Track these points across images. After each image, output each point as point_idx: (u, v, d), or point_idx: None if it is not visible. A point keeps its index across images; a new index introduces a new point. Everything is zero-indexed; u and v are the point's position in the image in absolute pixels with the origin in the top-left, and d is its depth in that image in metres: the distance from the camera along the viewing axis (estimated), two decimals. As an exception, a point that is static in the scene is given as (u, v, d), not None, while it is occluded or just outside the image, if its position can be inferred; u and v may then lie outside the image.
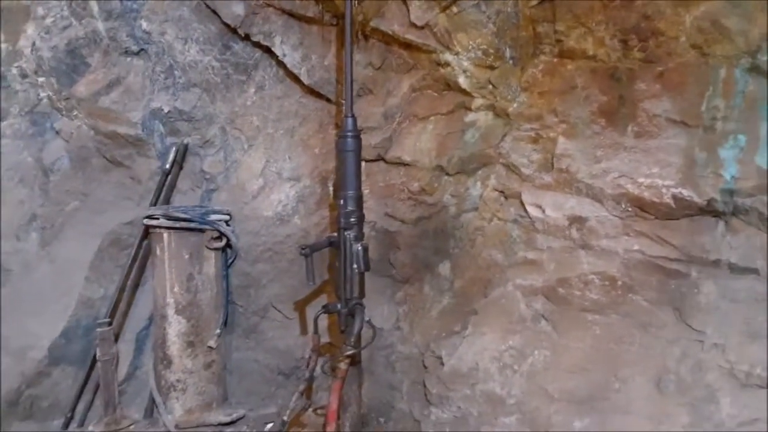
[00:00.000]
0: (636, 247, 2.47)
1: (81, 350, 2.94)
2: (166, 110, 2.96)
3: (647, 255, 2.44)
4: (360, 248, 2.15)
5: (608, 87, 2.56)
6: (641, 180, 2.44)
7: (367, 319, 2.20)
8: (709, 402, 2.21)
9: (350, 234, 2.19)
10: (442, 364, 2.65)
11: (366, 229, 2.78)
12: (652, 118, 2.43)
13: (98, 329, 2.82)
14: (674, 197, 2.36)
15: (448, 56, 2.71)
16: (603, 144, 2.56)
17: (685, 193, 2.33)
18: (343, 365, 2.14)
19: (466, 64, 2.72)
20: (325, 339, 2.72)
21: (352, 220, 2.22)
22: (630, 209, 2.48)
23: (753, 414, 2.16)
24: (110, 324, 2.87)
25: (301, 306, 2.90)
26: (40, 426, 2.87)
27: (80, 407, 2.91)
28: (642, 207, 2.44)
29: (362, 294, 2.20)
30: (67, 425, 2.87)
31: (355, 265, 2.16)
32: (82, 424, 2.89)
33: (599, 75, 2.57)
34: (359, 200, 2.27)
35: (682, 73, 2.37)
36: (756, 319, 2.22)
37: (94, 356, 2.84)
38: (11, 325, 2.92)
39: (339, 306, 2.23)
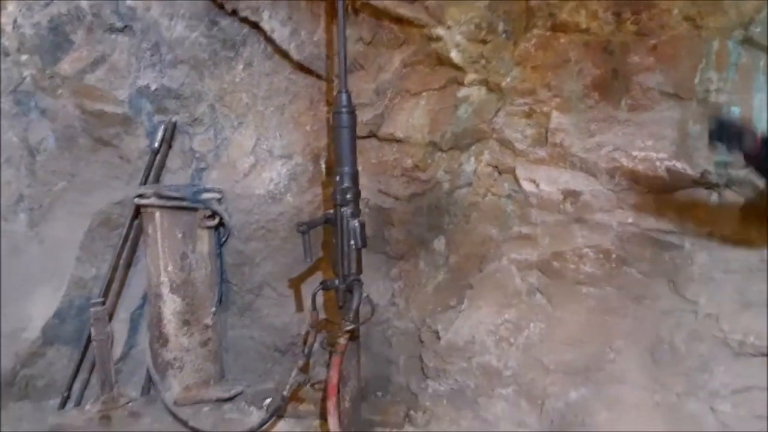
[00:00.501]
0: (630, 220, 2.49)
1: (75, 330, 2.93)
2: (153, 88, 2.91)
3: (641, 228, 2.47)
4: (357, 224, 2.15)
5: (601, 60, 2.56)
6: (635, 153, 2.45)
7: (365, 294, 2.21)
8: (702, 371, 2.26)
9: (347, 210, 2.18)
10: (439, 338, 2.67)
11: (360, 207, 2.79)
12: (645, 91, 2.44)
13: (92, 309, 2.81)
14: (668, 170, 2.38)
15: (440, 30, 2.68)
16: (597, 118, 2.57)
17: (679, 165, 2.36)
18: (342, 340, 2.15)
19: (458, 38, 2.70)
20: (321, 315, 2.73)
21: (348, 196, 2.21)
22: (624, 182, 2.50)
23: (746, 382, 2.21)
24: (104, 304, 2.86)
25: (296, 283, 2.90)
26: (37, 406, 2.87)
27: (76, 386, 2.91)
28: (636, 180, 2.47)
29: (360, 270, 2.21)
30: (63, 404, 2.87)
31: (352, 242, 2.16)
32: (79, 403, 2.89)
33: (592, 48, 2.57)
34: (355, 176, 2.26)
35: (675, 46, 2.38)
36: (749, 289, 2.26)
37: (89, 336, 2.83)
38: (3, 307, 2.89)
39: (337, 282, 2.24)
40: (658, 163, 2.39)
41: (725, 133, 1.97)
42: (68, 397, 2.89)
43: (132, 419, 2.76)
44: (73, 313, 2.95)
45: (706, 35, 2.34)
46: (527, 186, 2.68)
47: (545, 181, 2.64)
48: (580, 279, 2.54)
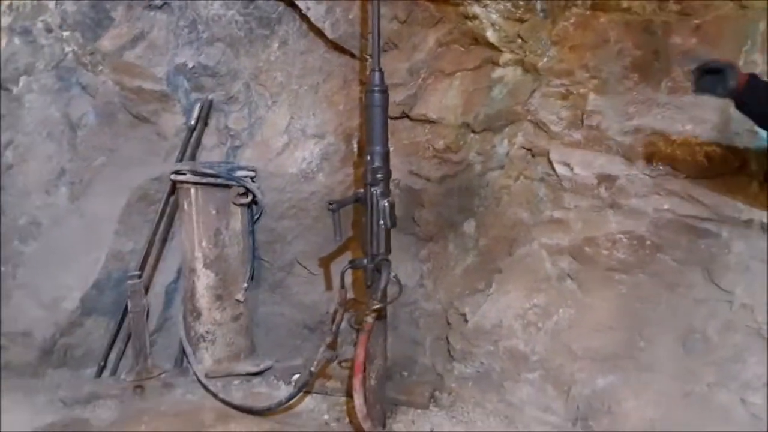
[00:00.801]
0: (666, 207, 2.44)
1: (112, 302, 3.01)
2: (190, 65, 2.95)
3: (678, 214, 2.41)
4: (387, 204, 2.15)
5: (642, 41, 2.49)
6: (674, 137, 2.39)
7: (392, 274, 2.21)
8: (735, 361, 2.21)
9: (377, 190, 2.18)
10: (466, 320, 2.67)
11: (390, 187, 2.78)
12: (687, 74, 2.36)
13: (129, 282, 2.88)
14: (707, 155, 2.32)
15: (476, 9, 2.64)
16: (635, 100, 2.51)
17: (719, 151, 2.29)
18: (369, 319, 2.16)
19: (494, 17, 2.66)
20: (349, 295, 2.75)
21: (379, 176, 2.21)
22: (661, 167, 2.44)
23: (780, 374, 2.16)
24: (140, 277, 2.93)
25: (326, 262, 2.93)
26: (74, 373, 2.98)
27: (112, 356, 3.00)
28: (674, 165, 2.40)
29: (388, 250, 2.21)
30: (100, 373, 2.97)
31: (381, 221, 2.16)
32: (114, 372, 2.99)
33: (633, 28, 2.50)
34: (386, 156, 2.25)
35: (719, 27, 2.30)
36: (787, 280, 2.19)
37: (125, 308, 2.91)
38: (44, 277, 3.00)
39: (365, 261, 2.25)
40: (697, 148, 2.33)
41: (708, 76, 1.86)
42: (104, 366, 2.99)
43: (165, 389, 2.84)
44: (110, 285, 3.04)
45: (752, 16, 2.26)
46: (561, 169, 2.64)
47: (580, 164, 2.60)
48: (613, 265, 2.50)
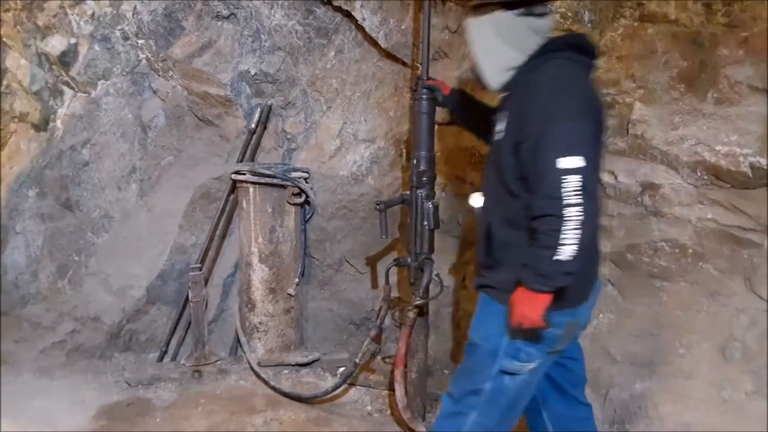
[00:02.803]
0: (709, 216, 2.45)
1: (175, 291, 3.23)
2: (252, 72, 3.13)
3: (720, 224, 2.42)
4: (431, 206, 2.25)
5: (689, 52, 2.51)
6: (719, 148, 2.40)
7: (435, 273, 2.31)
8: (774, 371, 2.21)
9: (422, 192, 2.29)
10: (507, 322, 2.73)
11: (437, 191, 2.88)
12: (733, 85, 2.38)
13: (190, 273, 3.08)
14: (752, 166, 2.32)
15: (525, 20, 2.72)
16: (681, 110, 2.52)
17: (764, 162, 2.29)
18: (411, 314, 2.27)
19: (543, 27, 2.72)
20: (394, 294, 2.86)
21: (424, 179, 2.32)
22: (705, 177, 2.45)
23: (819, 385, 2.15)
24: (201, 269, 3.12)
25: (372, 261, 3.05)
26: (138, 357, 3.20)
27: (173, 343, 3.21)
28: (718, 175, 2.41)
29: (431, 250, 2.31)
30: (161, 358, 3.18)
31: (425, 222, 2.26)
32: (174, 357, 3.20)
33: (680, 40, 2.52)
34: (431, 160, 2.36)
35: (766, 39, 2.30)
36: (829, 292, 2.18)
37: (187, 297, 3.11)
38: (113, 267, 3.24)
39: (409, 260, 2.36)
40: (741, 159, 2.33)
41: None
42: (166, 351, 3.20)
43: (220, 375, 3.02)
44: (173, 275, 3.26)
45: (802, 28, 2.25)
46: (606, 177, 2.67)
47: (624, 172, 2.63)
48: (654, 272, 2.53)
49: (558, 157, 1.53)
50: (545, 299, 1.59)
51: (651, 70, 2.59)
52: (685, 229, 2.49)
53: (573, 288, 1.65)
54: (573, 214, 1.52)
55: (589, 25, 2.69)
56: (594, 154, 1.62)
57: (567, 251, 1.53)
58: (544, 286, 1.57)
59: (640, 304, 2.53)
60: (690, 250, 2.47)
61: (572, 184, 1.52)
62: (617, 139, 2.66)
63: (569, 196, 1.52)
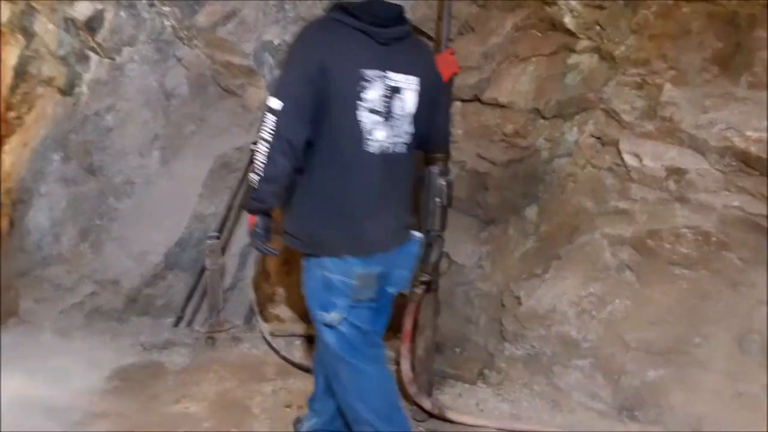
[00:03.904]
0: (736, 204, 2.37)
1: (192, 259, 3.26)
2: (276, 43, 3.11)
3: (747, 212, 2.34)
4: (443, 182, 2.21)
5: (725, 33, 2.41)
6: (749, 133, 2.31)
7: (444, 251, 2.28)
8: (793, 366, 2.14)
9: (435, 169, 2.24)
10: (520, 303, 2.70)
11: (456, 169, 2.84)
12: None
13: (208, 241, 3.10)
14: (783, 153, 2.23)
15: (555, -6, 2.64)
16: (712, 93, 2.44)
17: (796, 149, 2.20)
18: (418, 290, 2.25)
19: (573, 2, 2.64)
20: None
21: (438, 155, 2.28)
22: (734, 163, 2.37)
23: (839, 382, 2.08)
24: (218, 238, 3.14)
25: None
26: (155, 322, 3.25)
27: (189, 309, 3.26)
28: (747, 162, 2.33)
29: (443, 227, 2.27)
30: (177, 323, 3.23)
31: (438, 199, 2.22)
32: (189, 324, 3.25)
33: (716, 20, 2.42)
34: (445, 136, 2.32)
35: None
36: None
37: (204, 265, 3.14)
38: (134, 232, 3.29)
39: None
40: (773, 145, 2.25)
41: None
42: (181, 317, 3.25)
43: (233, 343, 3.06)
44: (192, 243, 3.29)
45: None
46: (630, 160, 2.61)
47: (650, 156, 2.55)
48: (675, 259, 2.46)
49: (269, 97, 1.77)
50: (250, 218, 1.87)
51: (684, 50, 2.51)
52: (709, 217, 2.42)
53: (322, 237, 1.84)
54: (260, 148, 1.75)
55: (621, 2, 2.60)
56: (299, 103, 1.74)
57: (252, 178, 1.78)
58: (245, 206, 1.87)
59: (658, 292, 2.47)
60: (713, 238, 2.40)
61: (268, 122, 1.74)
62: (644, 122, 2.59)
63: (262, 130, 1.74)
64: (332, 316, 1.86)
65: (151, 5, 3.19)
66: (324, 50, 1.77)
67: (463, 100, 2.87)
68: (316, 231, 1.86)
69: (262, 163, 1.75)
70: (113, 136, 3.33)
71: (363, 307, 1.89)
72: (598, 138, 2.72)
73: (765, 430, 2.10)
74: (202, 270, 3.19)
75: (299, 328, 3.06)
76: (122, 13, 3.22)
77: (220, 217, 3.22)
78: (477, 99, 2.88)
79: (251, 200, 1.84)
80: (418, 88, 1.89)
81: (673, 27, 2.52)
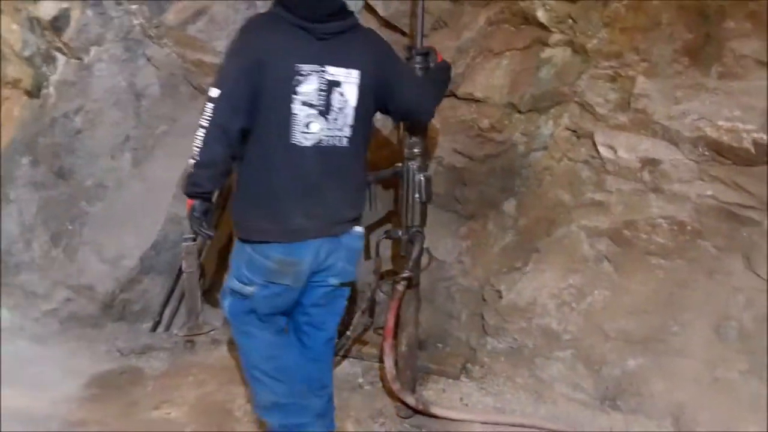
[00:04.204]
0: (709, 193, 2.41)
1: (168, 262, 3.19)
2: (248, 40, 3.06)
3: (720, 201, 2.39)
4: (422, 178, 2.21)
5: (695, 24, 2.45)
6: (721, 123, 2.35)
7: (425, 246, 2.28)
8: (769, 351, 2.19)
9: (413, 164, 2.24)
10: (501, 297, 2.72)
11: (433, 165, 2.84)
12: (738, 59, 2.33)
13: (184, 243, 3.04)
14: (755, 142, 2.27)
15: (528, -12, 2.65)
16: (684, 84, 2.48)
17: (766, 138, 2.24)
18: (399, 287, 2.25)
19: (546, -4, 2.66)
20: (387, 267, 2.83)
21: (416, 150, 2.27)
22: (707, 153, 2.41)
23: (814, 366, 2.13)
24: (195, 240, 3.08)
25: (365, 234, 3.01)
26: (131, 327, 3.18)
27: (167, 313, 3.20)
28: (719, 151, 2.37)
29: (423, 223, 2.27)
30: (155, 328, 3.17)
31: (416, 195, 2.22)
32: (168, 328, 3.19)
33: (686, 11, 2.46)
34: (424, 132, 2.31)
35: (775, 11, 2.24)
36: (829, 272, 2.15)
37: (180, 268, 3.09)
38: (107, 236, 3.21)
39: (400, 233, 2.33)
40: (744, 135, 2.29)
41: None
42: (159, 321, 3.18)
43: (213, 346, 3.02)
44: (167, 246, 3.22)
45: (811, 1, 2.19)
46: (605, 152, 2.63)
47: (624, 147, 2.59)
48: (651, 249, 2.50)
49: (209, 87, 1.85)
50: (188, 202, 1.96)
51: (655, 42, 2.54)
52: (684, 206, 2.46)
53: (249, 222, 1.95)
54: (198, 134, 1.82)
55: (592, -5, 2.62)
56: (234, 94, 1.81)
57: (189, 163, 1.87)
58: (182, 190, 1.97)
59: (636, 281, 2.51)
60: (688, 227, 2.44)
61: (207, 109, 1.81)
62: (618, 114, 2.62)
63: (201, 118, 1.82)
64: (244, 288, 1.98)
65: (119, 3, 3.11)
66: (260, 45, 1.85)
67: (438, 96, 2.87)
68: (246, 217, 1.97)
69: (197, 148, 1.83)
70: (83, 138, 3.24)
71: (278, 291, 1.97)
72: (574, 131, 2.75)
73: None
74: (179, 273, 3.14)
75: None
76: (89, 12, 3.13)
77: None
78: (452, 94, 2.87)
79: (187, 184, 1.91)
80: (359, 81, 1.92)
81: (643, 19, 2.55)
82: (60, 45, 3.19)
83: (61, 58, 3.23)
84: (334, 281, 2.05)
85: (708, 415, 2.21)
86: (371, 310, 2.62)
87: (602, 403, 2.43)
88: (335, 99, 1.89)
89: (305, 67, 1.84)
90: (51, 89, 3.26)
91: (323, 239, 1.96)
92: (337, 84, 1.88)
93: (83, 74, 3.21)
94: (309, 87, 1.84)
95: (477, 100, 2.84)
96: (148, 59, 3.24)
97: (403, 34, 2.93)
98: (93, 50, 3.18)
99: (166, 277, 3.21)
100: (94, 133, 3.24)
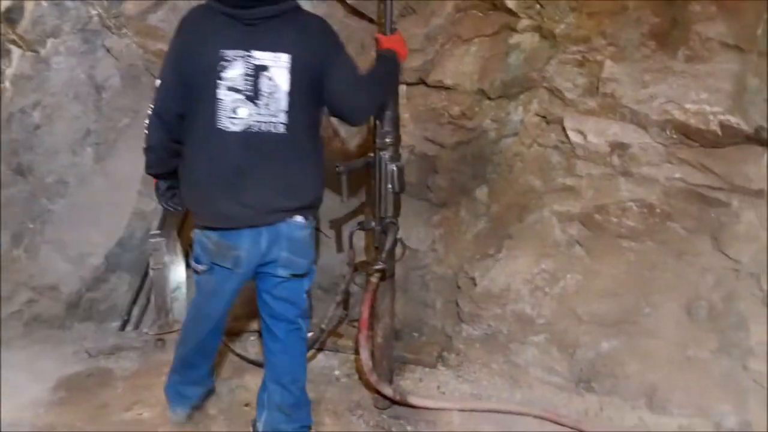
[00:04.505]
0: (678, 175, 2.44)
1: (135, 259, 3.13)
2: (211, 29, 2.98)
3: (689, 183, 2.41)
4: (395, 168, 2.19)
5: (661, 8, 2.46)
6: (688, 106, 2.37)
7: (398, 237, 2.26)
8: (738, 329, 2.24)
9: (386, 154, 2.22)
10: (475, 284, 2.72)
11: (405, 153, 2.81)
12: (704, 42, 2.34)
13: (151, 240, 2.98)
14: (721, 124, 2.30)
15: (495, -27, 2.63)
16: (651, 68, 2.49)
17: (733, 120, 2.27)
18: (373, 278, 2.23)
19: (513, -19, 2.64)
20: (362, 258, 2.81)
21: (388, 140, 2.25)
22: (675, 136, 2.43)
23: (783, 343, 2.18)
24: (162, 236, 3.02)
25: (338, 225, 2.99)
26: (99, 327, 3.12)
27: (135, 311, 3.14)
28: (687, 134, 2.40)
29: (396, 213, 2.25)
30: (123, 327, 3.10)
31: (389, 185, 2.20)
32: (137, 326, 3.13)
33: (652, -5, 2.47)
34: (396, 121, 2.29)
35: (738, -6, 2.26)
36: (796, 251, 2.20)
37: (148, 265, 3.02)
38: (70, 234, 3.13)
39: (373, 224, 2.31)
40: (711, 117, 2.31)
41: None
42: (128, 320, 3.12)
43: (184, 343, 2.96)
44: (134, 242, 3.16)
45: (774, -17, 2.21)
46: (575, 137, 2.64)
47: (593, 132, 2.59)
48: (622, 232, 2.52)
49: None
50: (153, 180, 2.18)
51: (622, 27, 2.54)
52: (653, 189, 2.49)
53: (189, 206, 2.08)
54: (145, 123, 1.99)
55: (559, -21, 2.61)
56: (169, 83, 1.94)
57: (142, 146, 2.02)
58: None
59: (608, 265, 2.54)
60: (658, 210, 2.47)
61: (152, 99, 1.97)
62: (587, 99, 2.62)
63: (148, 107, 1.98)
64: (197, 266, 2.10)
65: (75, -7, 3.02)
66: (189, 35, 1.95)
67: (408, 84, 2.84)
68: (186, 201, 2.10)
69: (145, 133, 1.99)
70: (41, 133, 3.14)
71: (223, 274, 2.04)
72: (543, 117, 2.75)
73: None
74: (147, 269, 3.07)
75: (253, 324, 2.99)
76: (44, 3, 3.02)
77: (162, 213, 3.09)
78: (422, 82, 2.85)
79: (145, 166, 2.10)
80: (290, 65, 1.90)
81: (610, 4, 2.55)
82: (14, 38, 3.07)
83: (16, 51, 3.11)
84: (282, 272, 2.05)
85: (681, 394, 2.26)
86: (346, 303, 2.59)
87: (577, 386, 2.46)
88: (264, 84, 1.89)
89: (230, 53, 1.87)
90: (7, 84, 3.13)
91: (262, 228, 1.96)
92: (264, 68, 1.88)
93: (40, 67, 3.10)
94: (234, 72, 1.87)
95: (447, 88, 2.81)
96: (108, 50, 3.15)
97: (371, 21, 2.90)
98: (49, 42, 3.08)
99: (134, 275, 3.15)
100: (54, 128, 3.14)
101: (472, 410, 2.41)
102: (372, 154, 2.36)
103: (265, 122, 1.90)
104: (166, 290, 3.04)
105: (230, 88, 1.87)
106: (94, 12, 3.07)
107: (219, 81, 1.87)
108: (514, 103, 2.79)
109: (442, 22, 2.80)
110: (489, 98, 2.80)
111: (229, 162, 1.91)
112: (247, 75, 1.87)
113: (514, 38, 2.75)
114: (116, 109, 3.19)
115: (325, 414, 2.41)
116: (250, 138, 1.90)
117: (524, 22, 2.71)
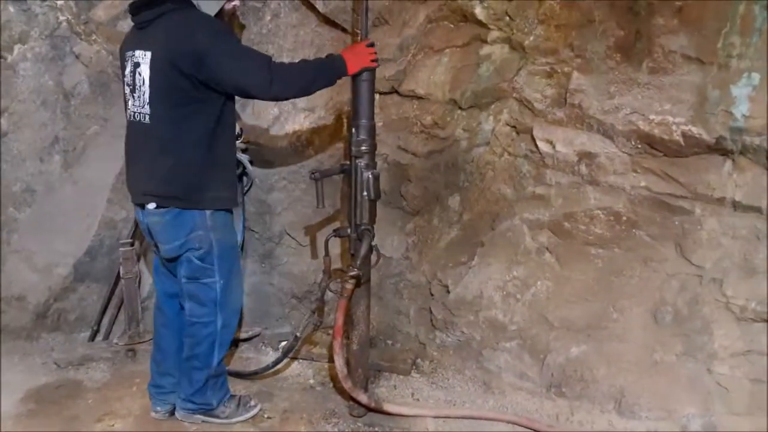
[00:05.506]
0: (643, 184, 2.51)
1: (105, 268, 3.09)
2: (182, 36, 2.97)
3: (653, 192, 2.49)
4: (370, 176, 2.21)
5: (626, 21, 2.53)
6: (652, 117, 2.45)
7: (373, 244, 2.28)
8: (703, 333, 2.31)
9: (361, 162, 2.24)
10: (448, 292, 2.75)
11: (378, 162, 2.83)
12: (667, 54, 2.42)
13: (121, 249, 2.95)
14: (684, 134, 2.38)
15: (465, -15, 2.68)
16: (617, 80, 2.56)
17: (695, 130, 2.35)
18: (348, 285, 2.24)
19: (483, -6, 2.69)
20: (337, 265, 2.82)
21: (364, 148, 2.27)
22: (640, 146, 2.50)
23: (745, 346, 2.26)
24: (132, 245, 2.99)
25: (313, 232, 3.00)
26: (68, 337, 3.06)
27: (105, 321, 3.08)
28: (651, 144, 2.47)
29: (372, 220, 2.27)
30: (93, 337, 3.05)
31: (365, 192, 2.22)
32: (107, 336, 3.08)
33: (618, 9, 2.54)
34: (371, 129, 2.31)
35: (701, 8, 2.35)
36: (756, 256, 2.29)
37: (118, 274, 2.98)
38: (37, 243, 3.07)
39: (349, 231, 2.32)
40: (674, 128, 2.39)
41: None
42: (97, 330, 3.07)
43: (156, 353, 2.92)
44: (103, 251, 3.11)
45: (733, -2, 2.30)
46: (544, 146, 2.70)
47: (562, 142, 2.66)
48: (590, 240, 2.58)
49: None
50: None
51: (589, 39, 2.61)
52: (619, 197, 2.55)
53: None
54: (284, 75, 2.17)
55: (528, -8, 2.67)
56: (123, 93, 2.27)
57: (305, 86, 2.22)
58: None
59: (577, 271, 2.59)
60: (624, 218, 2.53)
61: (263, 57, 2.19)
62: (555, 109, 2.69)
63: (269, 64, 2.15)
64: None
65: (43, -1, 2.97)
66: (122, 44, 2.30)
67: (381, 93, 2.87)
68: None
69: (298, 85, 2.21)
70: (8, 141, 3.08)
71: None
72: (513, 126, 2.80)
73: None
74: (117, 279, 3.03)
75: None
76: (11, 8, 2.97)
77: (132, 221, 3.06)
78: (395, 91, 2.88)
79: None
80: (150, 61, 2.12)
81: (577, 16, 2.62)
82: (-20, 43, 3.01)
83: (-19, 57, 3.05)
84: (165, 254, 2.29)
85: (648, 397, 2.32)
86: (320, 310, 2.59)
87: (548, 391, 2.51)
88: (137, 79, 2.16)
89: (127, 54, 2.20)
90: (-28, 90, 3.07)
91: (141, 210, 2.27)
92: (138, 65, 2.15)
93: (7, 74, 3.05)
94: (127, 70, 2.20)
95: (419, 97, 2.85)
96: (77, 57, 3.11)
97: (344, 30, 2.92)
98: (16, 48, 3.04)
99: (103, 284, 3.10)
100: (21, 136, 3.10)
101: (446, 417, 2.43)
102: (347, 162, 2.37)
103: (139, 113, 2.19)
104: (137, 299, 3.01)
105: (126, 84, 2.22)
106: (62, 18, 3.03)
107: (123, 78, 2.23)
108: (485, 113, 2.84)
109: (415, 32, 2.84)
110: (460, 108, 2.84)
111: (128, 146, 2.31)
112: (131, 71, 2.17)
113: (485, 49, 2.80)
114: (85, 116, 3.15)
115: (300, 422, 2.41)
116: (135, 127, 2.23)
117: (494, 34, 2.76)
